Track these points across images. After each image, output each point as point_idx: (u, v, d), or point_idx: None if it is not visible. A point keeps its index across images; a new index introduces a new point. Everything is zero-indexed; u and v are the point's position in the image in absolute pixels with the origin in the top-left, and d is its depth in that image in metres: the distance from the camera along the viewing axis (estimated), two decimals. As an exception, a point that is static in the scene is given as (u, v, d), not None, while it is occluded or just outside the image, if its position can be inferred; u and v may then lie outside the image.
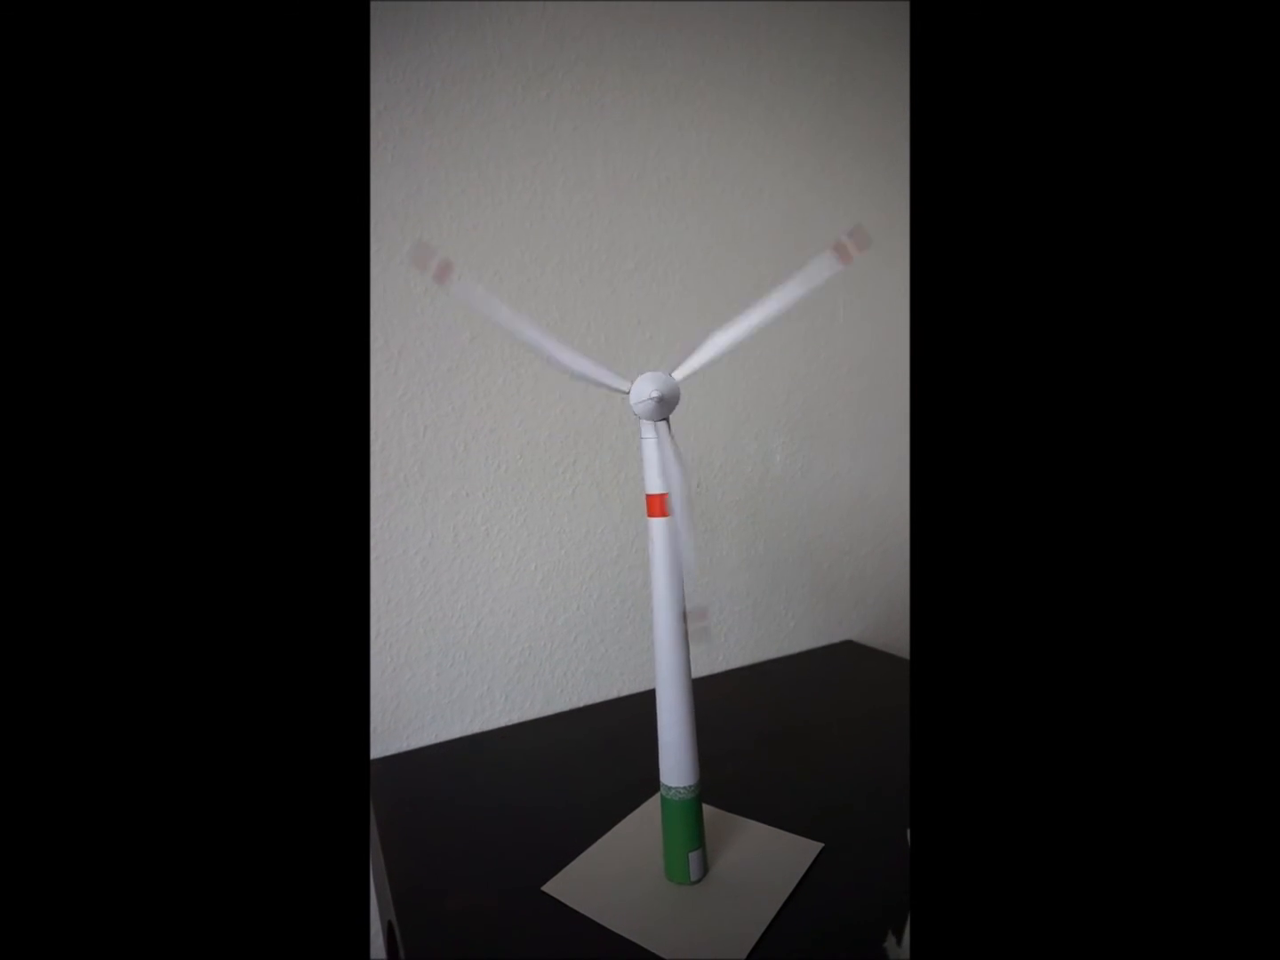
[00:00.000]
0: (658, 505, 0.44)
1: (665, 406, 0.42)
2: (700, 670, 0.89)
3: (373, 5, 0.63)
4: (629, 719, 0.77)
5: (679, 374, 0.42)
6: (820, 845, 0.50)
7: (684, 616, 0.45)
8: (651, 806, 0.57)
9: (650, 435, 0.43)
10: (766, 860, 0.49)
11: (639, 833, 0.53)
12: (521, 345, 0.42)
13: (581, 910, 0.45)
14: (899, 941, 0.32)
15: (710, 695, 0.81)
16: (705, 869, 0.48)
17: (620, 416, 0.80)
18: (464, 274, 0.41)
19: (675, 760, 0.46)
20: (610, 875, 0.48)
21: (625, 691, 0.85)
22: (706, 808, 0.55)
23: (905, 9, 0.96)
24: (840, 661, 0.92)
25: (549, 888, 0.47)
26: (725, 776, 0.61)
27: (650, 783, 0.60)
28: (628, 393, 0.42)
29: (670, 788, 0.46)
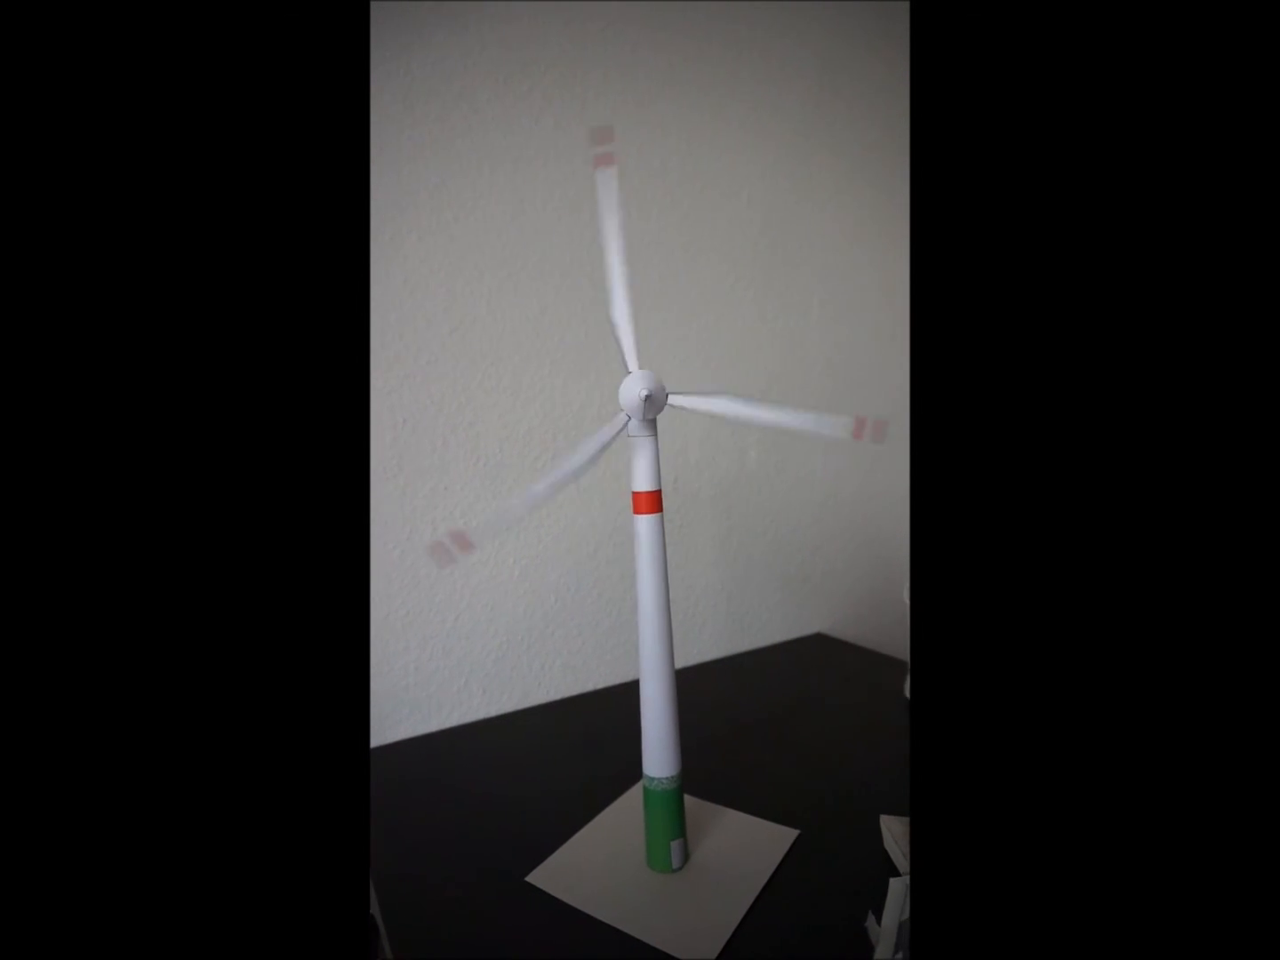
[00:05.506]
0: (644, 502, 0.45)
1: (653, 405, 0.42)
2: (675, 663, 0.90)
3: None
4: (606, 711, 0.78)
5: (675, 400, 0.43)
6: (796, 832, 0.52)
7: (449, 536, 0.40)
8: (631, 797, 0.58)
9: (638, 434, 0.44)
10: (745, 847, 0.51)
11: (619, 823, 0.54)
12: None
13: (566, 900, 0.46)
14: (879, 921, 0.34)
15: (686, 687, 0.82)
16: (686, 857, 0.49)
17: (600, 410, 0.81)
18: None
19: (658, 752, 0.47)
20: (593, 865, 0.49)
21: (602, 684, 0.86)
22: (686, 797, 0.56)
23: (886, 12, 0.97)
24: (811, 653, 0.94)
25: (533, 878, 0.48)
26: (702, 766, 0.62)
27: (627, 774, 0.61)
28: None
29: (653, 779, 0.47)
